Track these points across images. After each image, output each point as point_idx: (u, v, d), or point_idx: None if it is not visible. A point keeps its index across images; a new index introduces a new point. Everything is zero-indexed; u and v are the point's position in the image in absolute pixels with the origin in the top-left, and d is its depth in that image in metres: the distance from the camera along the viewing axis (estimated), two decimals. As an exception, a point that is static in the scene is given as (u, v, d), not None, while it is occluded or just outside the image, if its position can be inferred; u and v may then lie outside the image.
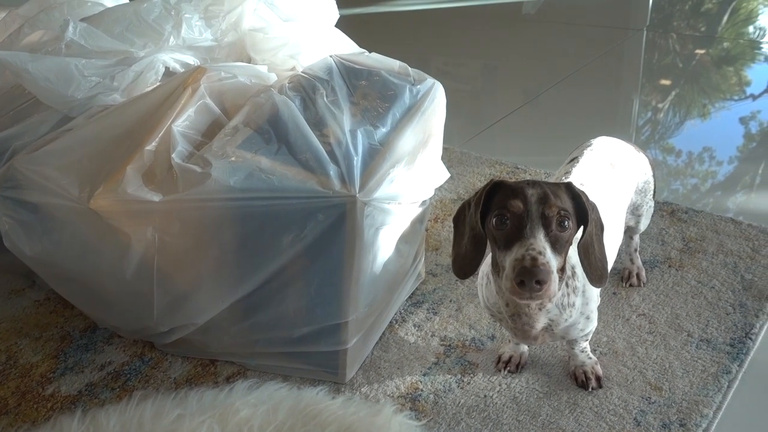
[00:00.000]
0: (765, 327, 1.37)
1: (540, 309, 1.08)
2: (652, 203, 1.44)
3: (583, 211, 1.00)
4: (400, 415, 0.86)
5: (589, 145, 1.35)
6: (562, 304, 1.08)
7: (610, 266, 1.19)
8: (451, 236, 1.74)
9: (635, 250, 1.51)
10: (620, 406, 1.21)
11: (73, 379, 1.36)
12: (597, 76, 2.86)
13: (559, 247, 0.94)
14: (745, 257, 1.56)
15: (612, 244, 1.22)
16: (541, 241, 0.91)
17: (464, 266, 1.05)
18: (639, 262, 1.52)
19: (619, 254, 1.54)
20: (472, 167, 2.07)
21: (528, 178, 1.97)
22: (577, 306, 1.10)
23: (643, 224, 1.45)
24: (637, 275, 1.50)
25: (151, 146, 1.11)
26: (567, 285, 1.08)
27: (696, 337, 1.35)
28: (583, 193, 1.01)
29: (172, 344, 1.37)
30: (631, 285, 1.50)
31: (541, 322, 1.09)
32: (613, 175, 1.28)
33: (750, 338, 1.33)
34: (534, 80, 2.85)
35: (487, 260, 1.12)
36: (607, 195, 1.23)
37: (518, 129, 2.41)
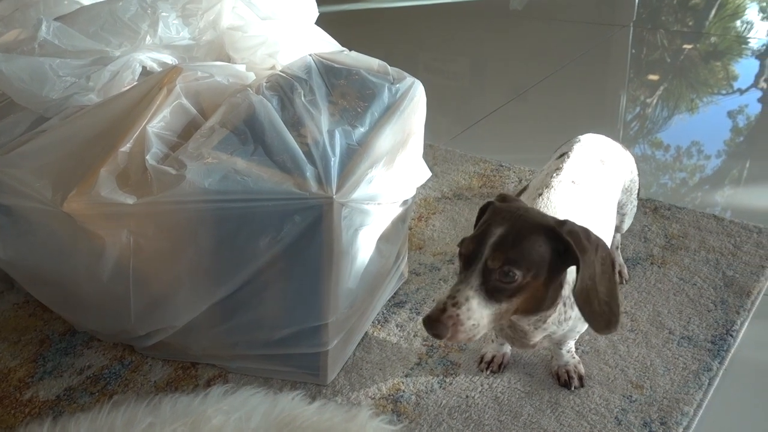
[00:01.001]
0: (746, 324, 1.37)
1: (536, 328, 1.05)
2: (636, 202, 1.43)
3: (573, 252, 0.91)
4: (376, 419, 0.85)
5: (577, 141, 1.33)
6: (559, 320, 1.06)
7: None
8: (435, 235, 1.74)
9: (617, 247, 1.51)
10: (602, 405, 1.21)
11: (52, 384, 1.35)
12: (584, 72, 2.85)
13: (501, 296, 0.90)
14: (726, 254, 1.56)
15: None
16: (469, 291, 0.88)
17: None
18: (621, 259, 1.52)
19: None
20: (456, 165, 2.06)
21: (512, 176, 1.97)
22: (574, 316, 1.07)
23: (627, 223, 1.45)
24: (620, 273, 1.50)
25: (125, 148, 1.09)
26: (564, 304, 1.04)
27: (677, 334, 1.35)
28: (577, 233, 0.92)
29: (152, 347, 1.35)
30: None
31: (538, 336, 1.08)
32: (603, 172, 1.27)
33: (731, 335, 1.33)
34: (521, 76, 2.84)
35: None
36: (598, 192, 1.22)
37: (504, 126, 2.40)
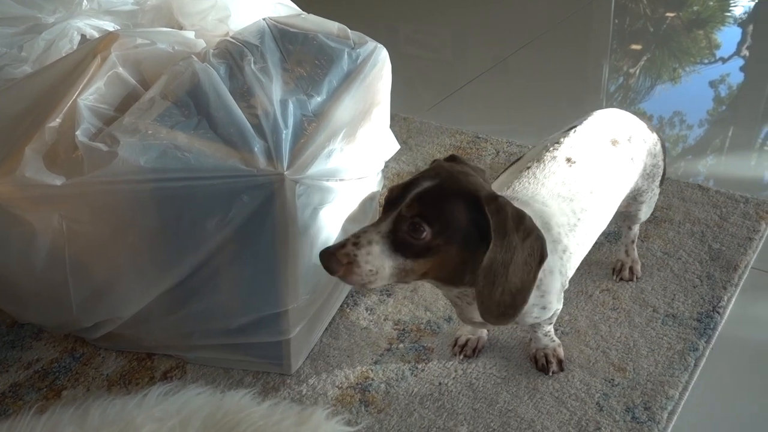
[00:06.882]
0: (733, 300, 1.30)
1: (468, 303, 0.98)
2: (657, 191, 1.28)
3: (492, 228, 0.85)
4: (332, 420, 0.76)
5: (592, 116, 1.19)
6: None
7: (582, 256, 1.07)
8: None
9: (632, 241, 1.36)
10: (582, 390, 1.14)
11: (-4, 380, 1.25)
12: (565, 39, 2.76)
13: (407, 251, 0.84)
14: (712, 225, 1.49)
15: (592, 232, 1.08)
16: (374, 235, 0.84)
17: None
18: (635, 254, 1.37)
19: (604, 243, 1.44)
20: (431, 137, 1.96)
21: (489, 147, 1.88)
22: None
23: (645, 213, 1.29)
24: (631, 269, 1.36)
25: (54, 123, 0.98)
26: None
27: (662, 312, 1.28)
28: (505, 213, 0.85)
29: (104, 338, 1.26)
30: (621, 279, 1.36)
31: (476, 314, 0.99)
32: (613, 155, 1.13)
33: (717, 312, 1.26)
34: (499, 45, 2.74)
35: None
36: (601, 176, 1.08)
37: (481, 96, 2.31)
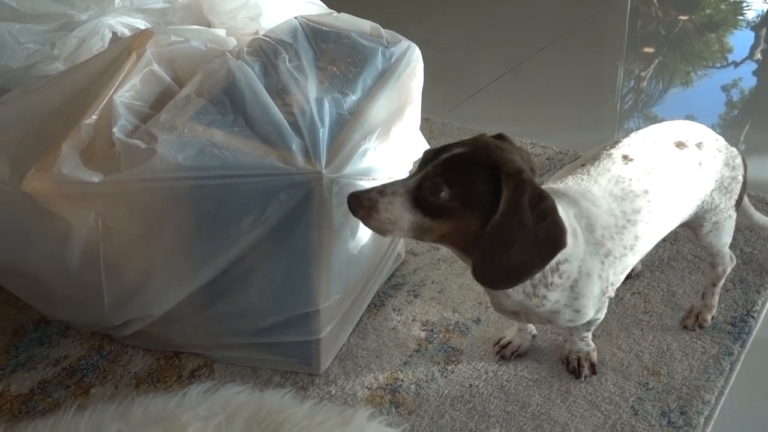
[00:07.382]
0: (767, 304, 1.29)
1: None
2: (733, 213, 1.13)
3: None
4: (374, 421, 0.76)
5: (660, 123, 1.13)
6: (524, 291, 0.96)
7: (631, 263, 1.03)
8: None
9: (713, 283, 1.21)
10: (616, 394, 1.13)
11: (25, 377, 1.25)
12: (582, 42, 2.75)
13: (427, 210, 0.87)
14: (743, 229, 1.47)
15: (646, 238, 1.02)
16: (400, 187, 0.88)
17: None
18: (712, 300, 1.22)
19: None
20: (454, 138, 1.94)
21: (513, 148, 1.87)
22: (554, 299, 0.98)
23: (717, 238, 1.14)
24: (698, 315, 1.22)
25: (90, 120, 0.98)
26: (545, 276, 0.95)
27: (695, 316, 1.26)
28: (522, 187, 0.84)
29: (132, 336, 1.26)
30: (685, 327, 1.23)
31: (505, 302, 1.00)
32: (677, 157, 1.05)
33: (752, 316, 1.24)
34: (518, 47, 2.73)
35: None
36: (661, 178, 1.02)
37: (501, 97, 2.30)
